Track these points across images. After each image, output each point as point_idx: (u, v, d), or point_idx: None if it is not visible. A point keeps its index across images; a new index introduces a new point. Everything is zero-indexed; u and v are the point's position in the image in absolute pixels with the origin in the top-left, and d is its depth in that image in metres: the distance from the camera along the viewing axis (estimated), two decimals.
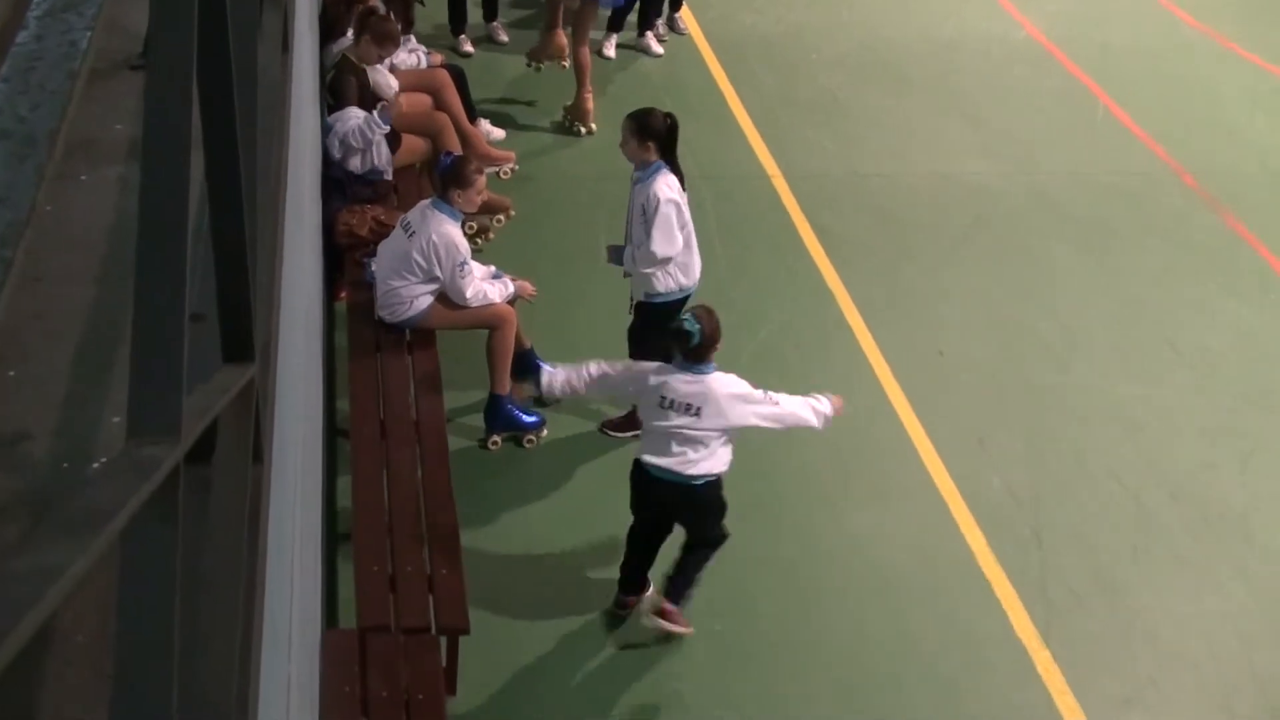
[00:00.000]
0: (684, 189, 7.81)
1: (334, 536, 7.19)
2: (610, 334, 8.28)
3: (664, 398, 6.51)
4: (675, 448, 6.52)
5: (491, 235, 9.65)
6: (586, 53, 11.33)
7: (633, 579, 7.02)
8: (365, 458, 7.09)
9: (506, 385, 7.94)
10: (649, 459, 6.59)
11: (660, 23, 13.01)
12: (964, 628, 7.12)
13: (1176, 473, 8.26)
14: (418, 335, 7.94)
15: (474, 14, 12.66)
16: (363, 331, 7.97)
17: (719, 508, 6.75)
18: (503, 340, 7.88)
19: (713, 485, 6.65)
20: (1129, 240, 10.58)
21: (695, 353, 6.51)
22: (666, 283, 7.80)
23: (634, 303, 7.98)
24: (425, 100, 9.93)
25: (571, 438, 8.17)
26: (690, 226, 7.82)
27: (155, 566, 1.75)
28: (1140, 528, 7.83)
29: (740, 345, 8.90)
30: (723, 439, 6.56)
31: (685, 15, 13.44)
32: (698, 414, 6.48)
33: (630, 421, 7.89)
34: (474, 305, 7.87)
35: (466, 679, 6.39)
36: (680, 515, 6.82)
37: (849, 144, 11.61)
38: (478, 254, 8.50)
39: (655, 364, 6.67)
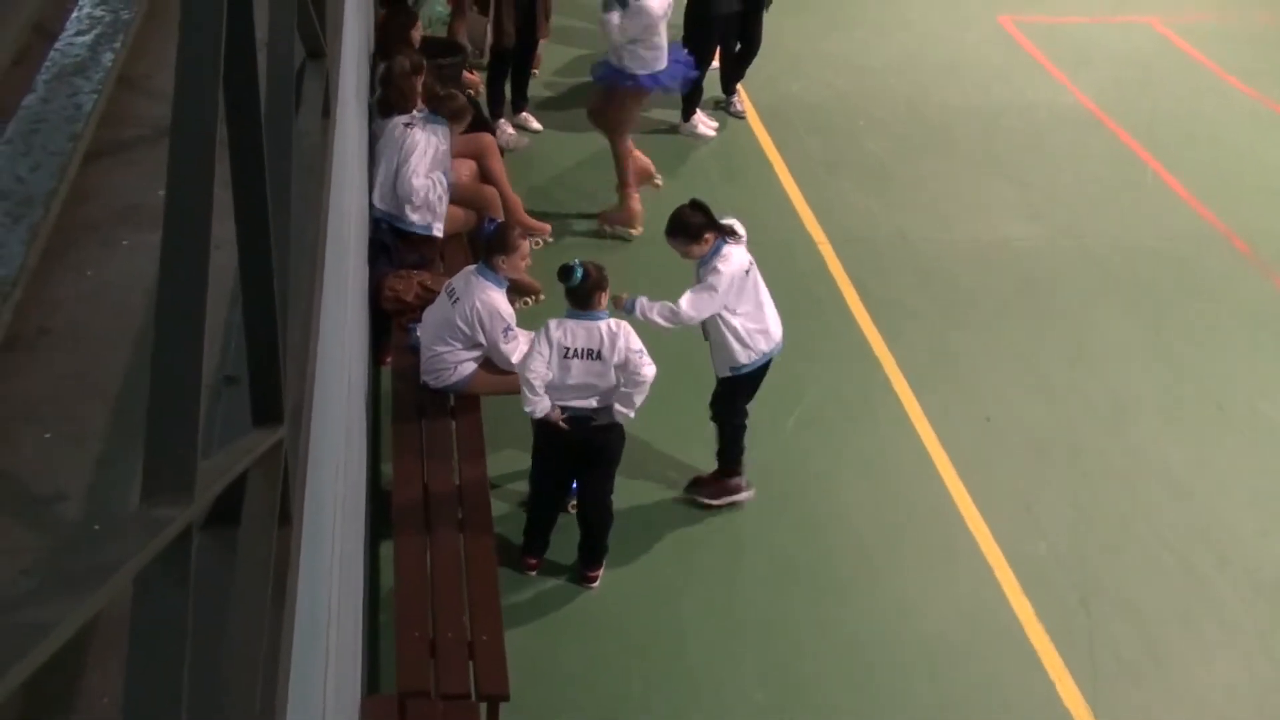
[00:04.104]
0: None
1: (376, 600, 7.19)
2: (654, 398, 8.24)
3: (567, 349, 7.05)
4: (587, 393, 7.12)
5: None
6: (631, 147, 10.77)
7: (543, 539, 7.61)
8: (407, 522, 7.10)
9: None
10: (571, 404, 7.14)
11: (701, 117, 12.47)
12: (1010, 696, 7.03)
13: (1226, 538, 8.15)
14: (462, 400, 7.96)
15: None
16: (406, 396, 8.00)
17: (620, 440, 7.37)
18: None
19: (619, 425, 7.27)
20: (1178, 304, 10.50)
21: (577, 295, 7.07)
22: (749, 354, 7.76)
23: (719, 378, 7.92)
24: (470, 166, 10.01)
25: (617, 506, 8.15)
26: (758, 292, 7.75)
27: (165, 628, 1.76)
28: (1190, 594, 7.73)
29: (785, 409, 8.89)
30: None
31: (741, 94, 12.97)
32: (598, 356, 7.05)
33: (718, 484, 8.17)
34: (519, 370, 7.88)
35: None
36: (595, 449, 7.30)
37: (895, 208, 11.60)
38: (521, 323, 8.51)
39: (550, 323, 7.15)
